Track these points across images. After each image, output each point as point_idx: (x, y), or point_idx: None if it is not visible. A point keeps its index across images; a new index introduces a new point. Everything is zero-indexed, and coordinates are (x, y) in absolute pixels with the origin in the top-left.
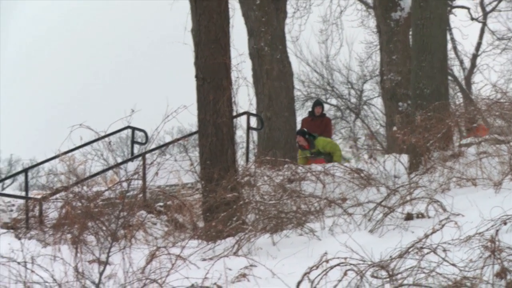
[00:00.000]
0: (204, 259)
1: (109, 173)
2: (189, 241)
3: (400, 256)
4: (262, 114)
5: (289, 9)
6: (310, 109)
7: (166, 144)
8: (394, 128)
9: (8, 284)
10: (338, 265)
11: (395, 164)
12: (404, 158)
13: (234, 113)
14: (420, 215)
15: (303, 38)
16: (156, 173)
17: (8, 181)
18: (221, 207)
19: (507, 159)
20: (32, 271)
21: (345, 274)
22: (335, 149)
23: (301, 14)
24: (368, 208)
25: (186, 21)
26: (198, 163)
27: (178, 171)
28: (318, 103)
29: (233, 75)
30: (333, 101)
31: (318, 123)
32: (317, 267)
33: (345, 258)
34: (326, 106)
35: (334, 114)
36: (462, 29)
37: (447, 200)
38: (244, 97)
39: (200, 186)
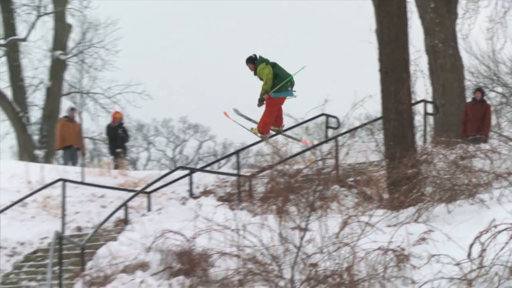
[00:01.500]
0: (389, 226)
1: (307, 153)
2: (376, 210)
3: None
4: (437, 101)
5: (460, 11)
6: (473, 95)
7: (355, 128)
8: None
9: (224, 248)
10: (505, 229)
11: None
12: None
13: (413, 101)
14: None
15: (472, 35)
16: (347, 153)
17: (223, 161)
18: (403, 181)
19: None
20: (244, 237)
21: (511, 237)
22: (263, 77)
23: (470, 15)
24: None
25: (370, 23)
26: (382, 144)
27: (365, 151)
28: (478, 89)
29: (412, 68)
30: (499, 89)
31: (479, 107)
32: (487, 232)
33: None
34: (492, 94)
35: (500, 100)
36: None
37: None
38: (421, 87)
39: (385, 163)
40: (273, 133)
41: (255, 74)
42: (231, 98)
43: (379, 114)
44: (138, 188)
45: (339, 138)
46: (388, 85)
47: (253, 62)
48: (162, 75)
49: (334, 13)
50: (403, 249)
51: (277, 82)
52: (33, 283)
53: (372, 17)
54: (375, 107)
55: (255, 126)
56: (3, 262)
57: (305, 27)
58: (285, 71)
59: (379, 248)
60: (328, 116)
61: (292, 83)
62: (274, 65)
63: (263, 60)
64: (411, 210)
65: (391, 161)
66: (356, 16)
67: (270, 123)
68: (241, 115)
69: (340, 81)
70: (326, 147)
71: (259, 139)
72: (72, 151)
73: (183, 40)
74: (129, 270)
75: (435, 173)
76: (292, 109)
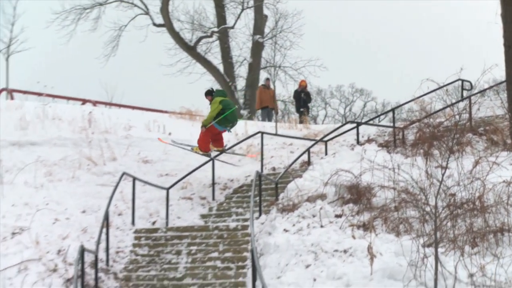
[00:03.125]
0: (511, 164)
1: (447, 109)
2: (501, 152)
3: None
4: None
5: None
6: None
7: (484, 90)
8: None
9: (383, 182)
10: None
11: None
12: None
13: None
14: None
15: None
16: (478, 109)
17: (382, 117)
18: None
19: None
20: (398, 174)
21: None
22: (210, 110)
23: None
24: None
25: (497, 8)
26: (506, 101)
27: (492, 107)
28: None
29: None
30: None
31: None
32: None
33: None
34: None
35: None
36: None
37: None
38: None
39: (508, 116)
40: (216, 151)
41: (210, 104)
42: (390, 68)
43: (503, 78)
44: (318, 138)
45: (472, 97)
46: (510, 56)
47: (211, 94)
48: (335, 51)
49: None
50: None
51: (222, 118)
52: (240, 210)
53: (498, 4)
54: (500, 73)
55: (194, 146)
56: (218, 194)
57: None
58: (228, 108)
59: (503, 181)
60: (463, 80)
61: (233, 126)
62: (226, 104)
63: (219, 95)
64: None
65: None
66: (485, 3)
67: (207, 141)
68: (176, 144)
69: (472, 53)
70: (461, 105)
71: (412, 97)
72: (268, 110)
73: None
74: (311, 199)
75: None
76: (434, 75)
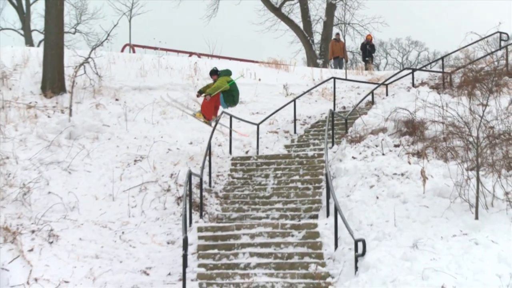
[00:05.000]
0: None
1: (487, 57)
2: None
3: None
4: None
5: None
6: None
7: None
8: None
9: (434, 118)
10: None
11: None
12: None
13: None
14: None
15: None
16: None
17: (433, 64)
18: None
19: None
20: (446, 111)
21: None
22: (217, 84)
23: None
24: None
25: None
26: None
27: None
28: None
29: None
30: None
31: None
32: None
33: None
34: None
35: None
36: None
37: None
38: None
39: None
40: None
41: (214, 81)
42: (441, 21)
43: None
44: (380, 82)
45: (509, 46)
46: None
47: (216, 73)
48: (395, 7)
49: None
50: None
51: (230, 98)
52: (316, 141)
53: None
54: None
55: (197, 111)
56: (298, 128)
57: None
58: (237, 92)
59: None
60: (501, 32)
61: (234, 106)
62: (234, 87)
63: (224, 74)
64: None
65: None
66: None
67: (211, 110)
68: (176, 104)
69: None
70: (499, 53)
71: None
72: (339, 60)
73: None
74: (374, 132)
75: None
76: (477, 28)
